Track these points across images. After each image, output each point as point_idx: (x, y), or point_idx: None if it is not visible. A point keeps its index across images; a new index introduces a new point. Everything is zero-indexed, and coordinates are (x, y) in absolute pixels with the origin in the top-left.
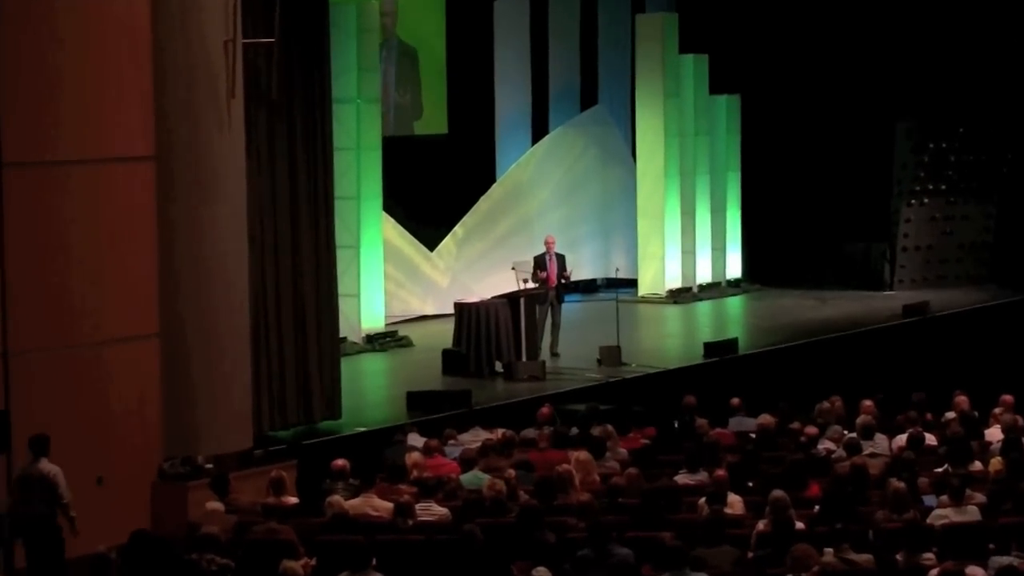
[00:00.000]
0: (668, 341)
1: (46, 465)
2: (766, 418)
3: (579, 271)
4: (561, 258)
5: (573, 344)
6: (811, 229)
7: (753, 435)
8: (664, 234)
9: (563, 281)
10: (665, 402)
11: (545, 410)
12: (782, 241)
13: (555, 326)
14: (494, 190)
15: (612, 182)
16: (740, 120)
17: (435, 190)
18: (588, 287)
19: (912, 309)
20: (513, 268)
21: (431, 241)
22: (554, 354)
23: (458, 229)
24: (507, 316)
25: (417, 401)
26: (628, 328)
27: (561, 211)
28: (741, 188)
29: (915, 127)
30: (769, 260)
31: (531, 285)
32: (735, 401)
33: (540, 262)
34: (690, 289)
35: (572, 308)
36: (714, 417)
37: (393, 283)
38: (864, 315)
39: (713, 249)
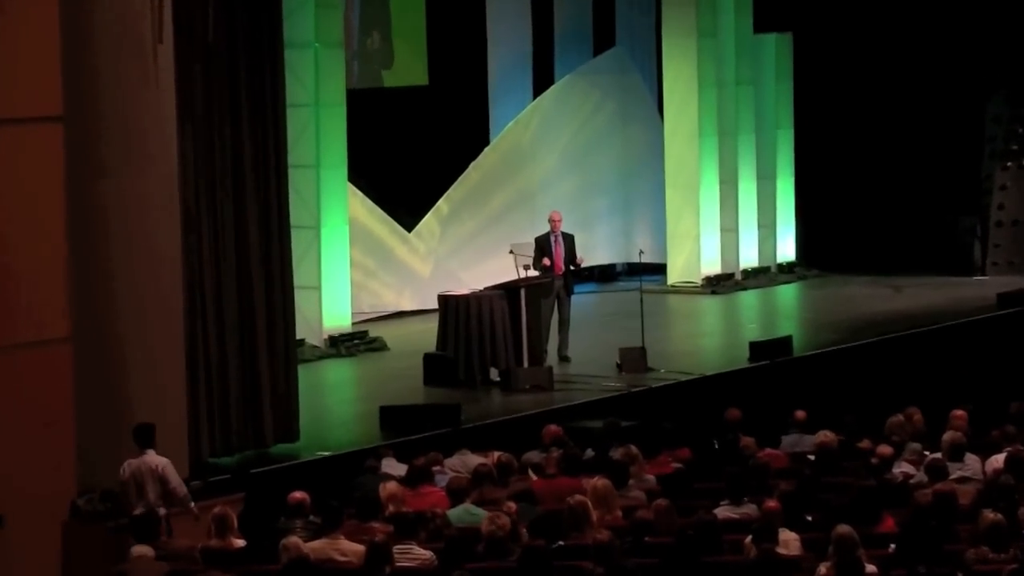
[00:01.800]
0: (705, 341)
1: (153, 457)
2: (828, 435)
3: (593, 255)
4: (570, 239)
5: (587, 346)
6: (882, 201)
7: (812, 457)
8: (699, 208)
9: (573, 268)
10: (702, 417)
11: (552, 428)
12: (845, 216)
13: (563, 323)
14: (487, 155)
15: (634, 144)
16: (792, 65)
17: (413, 156)
18: (605, 274)
19: (1009, 298)
20: (511, 252)
21: (409, 220)
22: (563, 358)
23: (442, 204)
24: (504, 312)
25: (393, 418)
26: (655, 325)
27: (570, 181)
28: (794, 150)
29: (1013, 76)
30: (830, 239)
31: (533, 273)
32: (799, 414)
33: (544, 245)
34: (732, 276)
35: (585, 301)
36: (763, 435)
37: (362, 272)
38: (949, 306)
39: (760, 226)
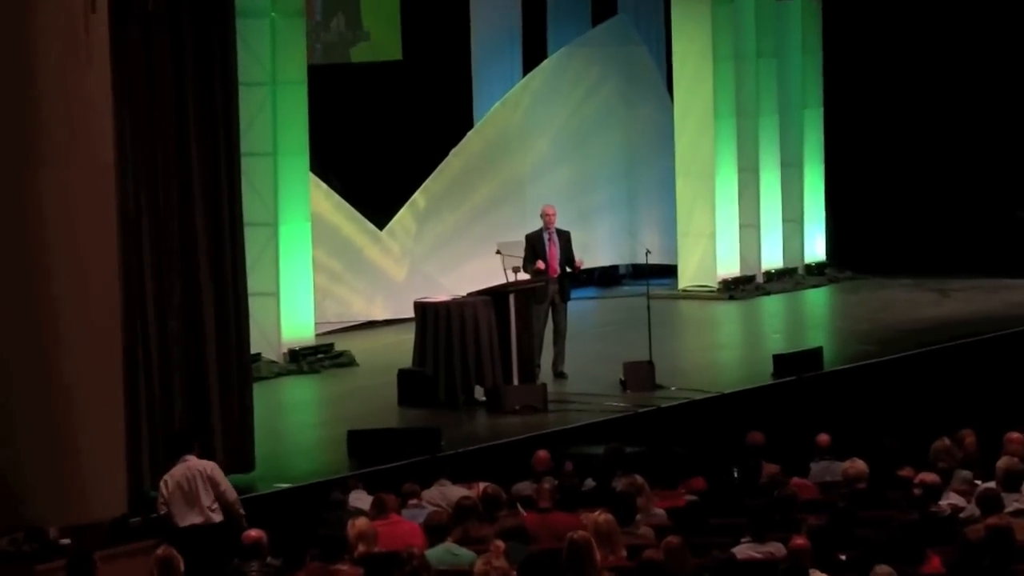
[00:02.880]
0: (722, 354)
1: (198, 461)
2: (858, 464)
3: (593, 256)
4: (565, 237)
5: (586, 360)
6: (925, 192)
7: (846, 487)
8: (714, 201)
9: (570, 271)
10: (719, 441)
11: (543, 455)
12: (883, 209)
13: (559, 334)
14: (469, 141)
15: (639, 127)
16: (821, 35)
17: (385, 142)
18: (606, 278)
19: None
20: (498, 252)
21: (380, 215)
22: (559, 374)
23: (418, 198)
24: (490, 321)
25: (363, 445)
26: (664, 336)
27: (566, 170)
28: (824, 134)
29: None
30: (865, 236)
31: (524, 276)
32: (822, 439)
33: (536, 243)
34: (753, 279)
35: (584, 308)
36: (790, 462)
37: (327, 276)
38: (1004, 312)
39: (785, 221)
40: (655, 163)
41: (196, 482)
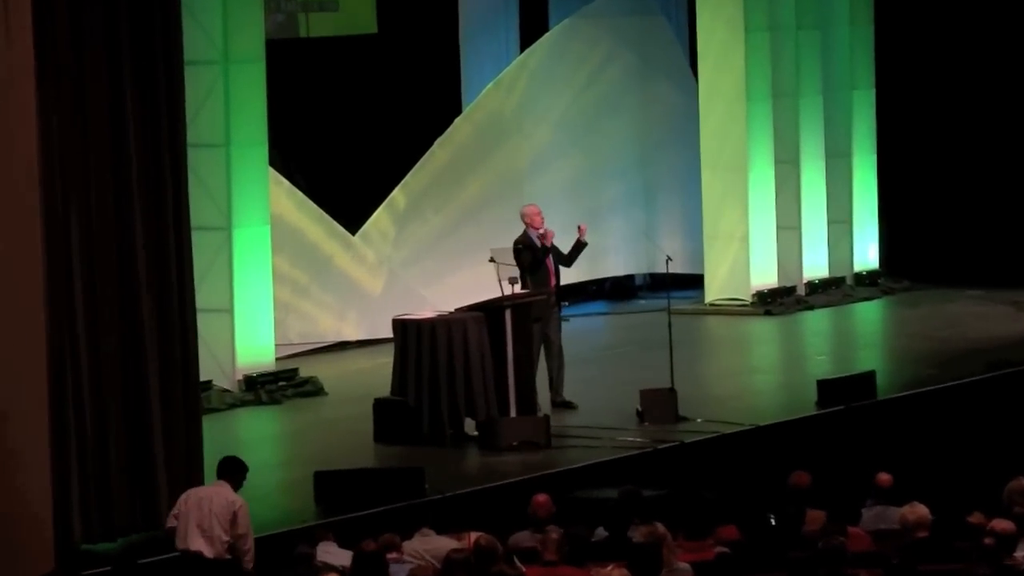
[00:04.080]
0: (757, 379)
1: (230, 492)
2: (919, 509)
3: (603, 264)
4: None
5: (596, 386)
6: (997, 188)
7: (904, 536)
8: (747, 198)
9: (581, 244)
10: (754, 483)
11: (544, 499)
12: (947, 208)
13: (554, 351)
14: (458, 128)
15: (657, 112)
16: (873, 3)
17: (357, 130)
18: (620, 290)
19: None
20: (491, 260)
21: (353, 217)
22: (562, 403)
23: (397, 196)
24: (483, 341)
25: (333, 488)
26: (689, 358)
27: (571, 162)
28: (877, 118)
29: None
30: (926, 240)
31: (519, 289)
32: (882, 479)
33: (532, 247)
34: (793, 291)
35: (594, 326)
36: (838, 507)
37: (290, 289)
38: None
39: (831, 222)
40: (676, 154)
41: (216, 509)
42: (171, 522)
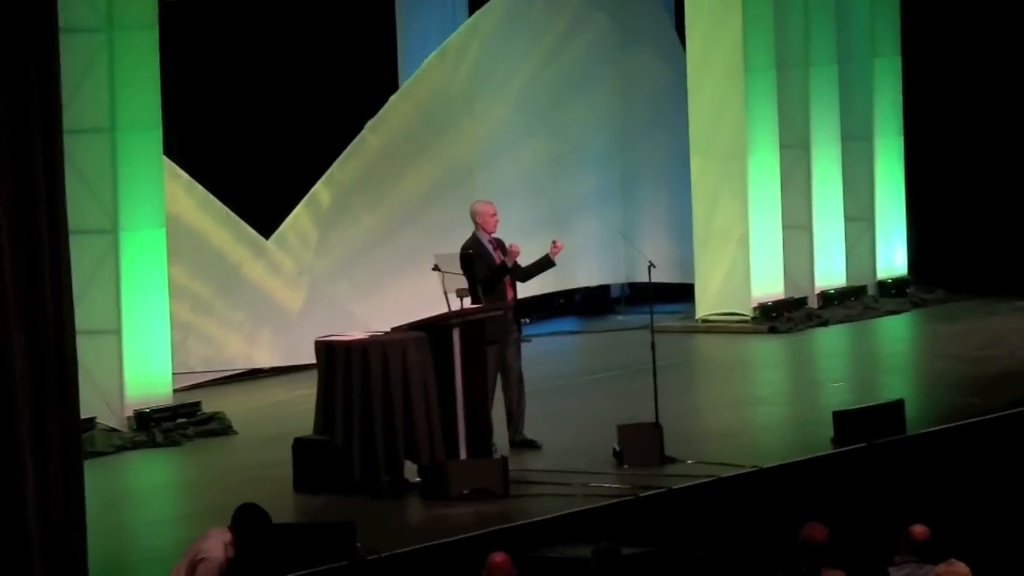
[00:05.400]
0: (760, 411)
1: (215, 544)
2: (964, 566)
3: (573, 272)
4: (503, 247)
5: (564, 421)
6: None
7: None
8: (746, 191)
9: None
10: (759, 538)
11: (501, 560)
12: (988, 204)
13: (513, 383)
14: (394, 108)
15: (637, 86)
16: None
17: (272, 111)
18: (593, 303)
19: None
20: (436, 268)
21: (266, 217)
22: (520, 443)
23: (320, 191)
24: (425, 367)
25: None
26: (677, 385)
27: (533, 148)
28: (904, 92)
29: None
30: (965, 240)
31: (469, 303)
32: (917, 531)
33: (483, 254)
34: (804, 303)
35: (561, 348)
36: (859, 565)
37: (191, 306)
38: None
39: (849, 220)
40: (660, 139)
41: (189, 554)
42: None
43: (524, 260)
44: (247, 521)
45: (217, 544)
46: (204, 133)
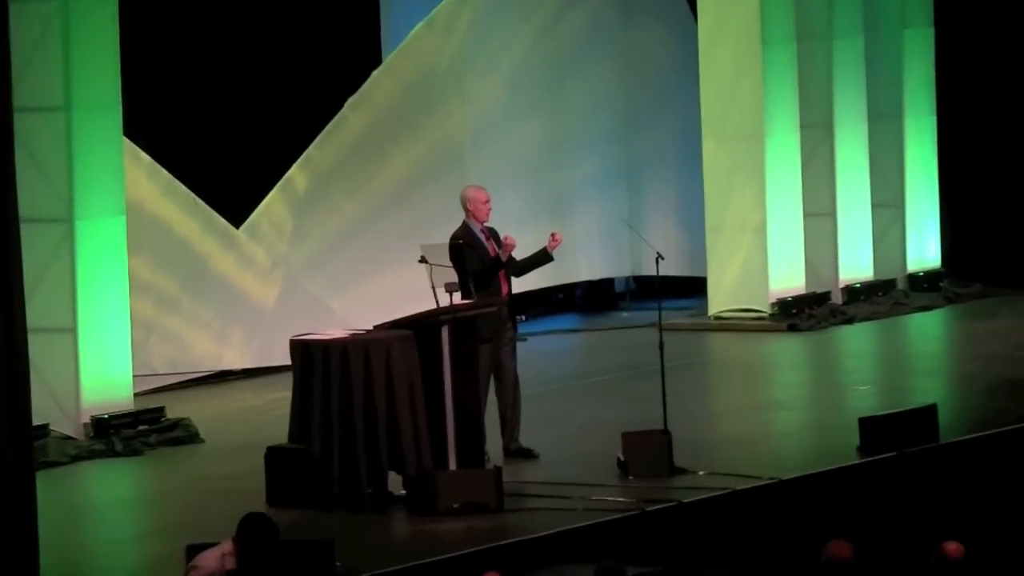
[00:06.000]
0: (779, 417)
1: (209, 558)
2: None
3: (574, 264)
4: (496, 237)
5: (563, 428)
6: None
7: None
8: (764, 175)
9: (501, 259)
10: (777, 556)
11: None
12: None
13: (507, 383)
14: (377, 84)
15: (643, 61)
16: None
17: (243, 87)
18: (595, 299)
19: None
20: (423, 260)
21: (237, 204)
22: (516, 452)
23: (296, 175)
24: (411, 369)
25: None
26: (687, 389)
27: (529, 128)
28: (937, 67)
29: None
30: (1004, 230)
31: (460, 298)
32: (951, 549)
33: (475, 244)
34: (827, 298)
35: (560, 348)
36: None
37: (154, 301)
38: None
39: (876, 206)
40: (668, 118)
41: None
42: None
43: (520, 253)
44: (252, 532)
45: (213, 554)
46: (169, 112)
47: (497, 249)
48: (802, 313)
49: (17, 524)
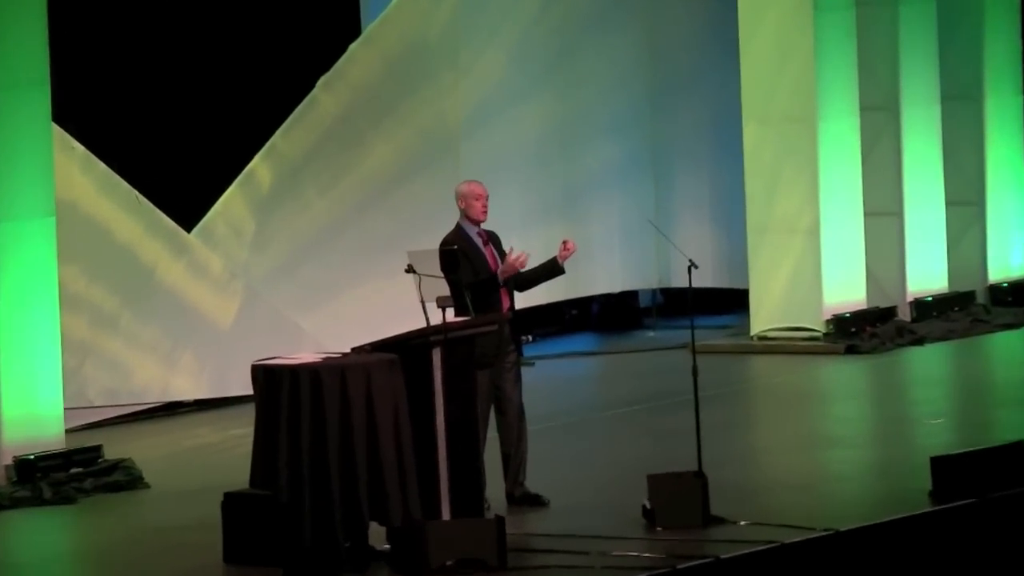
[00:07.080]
0: (835, 456)
1: None
2: None
3: (590, 275)
4: (496, 242)
5: (578, 469)
6: None
7: None
8: (816, 167)
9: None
10: None
11: None
12: None
13: (510, 414)
14: (355, 59)
15: (671, 32)
16: None
17: (196, 65)
18: (615, 315)
19: None
20: (410, 269)
21: (188, 203)
22: (522, 498)
23: (259, 168)
24: (396, 399)
25: None
26: (726, 423)
27: (535, 112)
28: (1023, 40)
29: None
30: None
31: (453, 315)
32: None
33: (469, 251)
34: (892, 314)
35: (574, 373)
36: None
37: (89, 319)
38: None
39: (951, 205)
40: (701, 99)
41: None
42: None
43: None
44: None
45: None
46: (107, 94)
47: (498, 259)
48: (863, 332)
49: None
